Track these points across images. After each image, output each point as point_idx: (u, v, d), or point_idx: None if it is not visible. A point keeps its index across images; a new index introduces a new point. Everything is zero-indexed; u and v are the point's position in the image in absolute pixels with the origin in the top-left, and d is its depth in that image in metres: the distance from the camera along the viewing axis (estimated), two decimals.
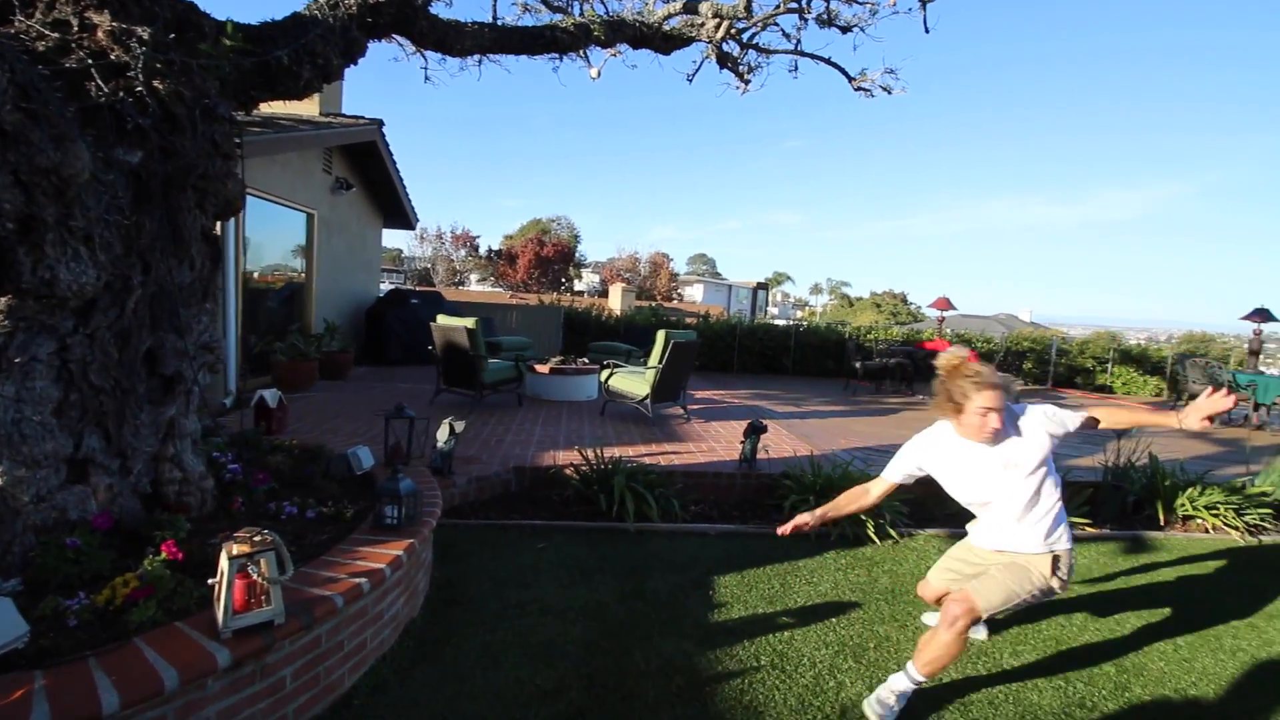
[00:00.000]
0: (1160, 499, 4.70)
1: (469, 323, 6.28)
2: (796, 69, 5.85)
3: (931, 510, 4.56)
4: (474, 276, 46.09)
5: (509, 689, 2.32)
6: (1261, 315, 9.15)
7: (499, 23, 4.31)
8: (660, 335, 6.21)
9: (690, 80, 5.87)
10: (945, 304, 11.31)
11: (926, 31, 4.73)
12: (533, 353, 8.53)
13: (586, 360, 8.18)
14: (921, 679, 2.24)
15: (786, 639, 2.80)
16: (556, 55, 4.50)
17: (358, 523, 2.72)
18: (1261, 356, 9.47)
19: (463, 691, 2.30)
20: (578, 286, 48.39)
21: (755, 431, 4.67)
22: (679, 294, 48.34)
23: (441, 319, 6.63)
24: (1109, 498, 4.77)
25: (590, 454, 4.44)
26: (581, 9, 4.98)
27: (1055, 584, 2.31)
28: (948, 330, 13.76)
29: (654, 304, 21.42)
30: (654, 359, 6.21)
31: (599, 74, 5.54)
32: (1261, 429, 8.58)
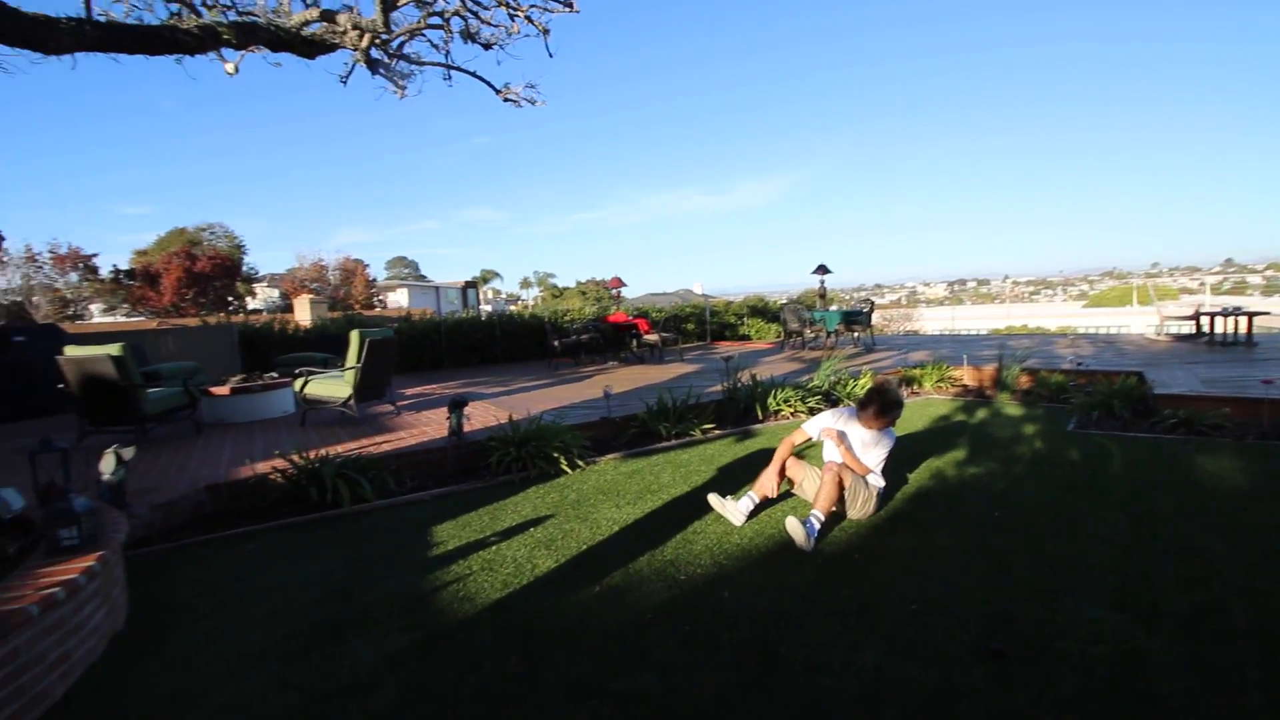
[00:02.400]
0: (758, 403, 6.65)
1: (114, 349, 5.50)
2: (450, 78, 6.44)
3: (609, 442, 5.73)
4: (97, 306, 36.55)
5: (236, 653, 2.55)
6: (822, 269, 12.98)
7: (102, 19, 3.97)
8: (354, 335, 6.30)
9: (344, 82, 6.03)
10: (618, 282, 13.30)
11: (550, 56, 5.73)
12: (205, 378, 7.65)
13: (276, 375, 7.68)
14: (823, 515, 3.43)
15: (494, 550, 3.50)
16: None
17: (25, 556, 2.55)
18: (827, 298, 13.47)
19: (192, 666, 2.45)
20: (252, 304, 41.82)
21: (457, 406, 5.23)
22: (381, 300, 45.21)
23: (72, 350, 5.64)
24: (728, 408, 6.57)
25: (295, 456, 4.50)
26: (204, 8, 4.78)
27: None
28: (629, 305, 16.03)
29: (350, 313, 20.04)
30: (351, 359, 6.28)
31: (236, 69, 5.36)
32: (833, 349, 12.19)
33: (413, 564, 3.37)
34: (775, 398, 6.69)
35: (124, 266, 37.35)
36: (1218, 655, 2.27)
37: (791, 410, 6.66)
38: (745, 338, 16.43)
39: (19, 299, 33.08)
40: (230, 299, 38.44)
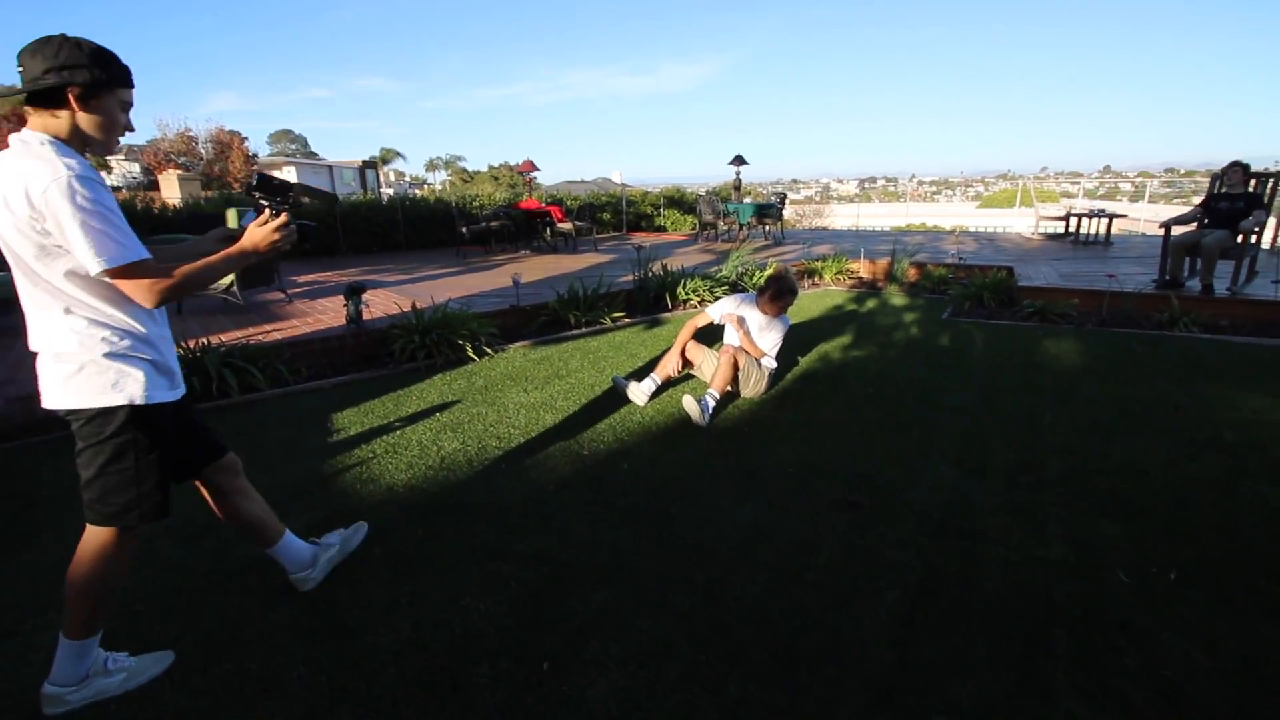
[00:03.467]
0: (668, 292, 6.78)
1: None
2: None
3: (519, 330, 5.72)
4: None
5: None
6: (739, 160, 12.88)
7: None
8: (230, 214, 5.75)
9: None
10: (529, 166, 12.66)
11: None
12: None
13: None
14: (718, 394, 3.61)
15: (398, 434, 3.52)
16: None
17: None
18: (741, 191, 13.49)
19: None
20: (109, 180, 36.55)
21: (355, 292, 4.99)
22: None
23: None
24: (639, 297, 6.66)
25: None
26: None
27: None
28: (544, 193, 15.39)
29: (230, 192, 18.06)
30: None
31: None
32: (745, 242, 12.39)
33: (313, 450, 3.34)
34: (684, 287, 6.83)
35: None
36: (1029, 498, 2.73)
37: (699, 299, 6.85)
38: (661, 229, 16.34)
39: None
40: None
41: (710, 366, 3.96)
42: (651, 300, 6.74)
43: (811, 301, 7.30)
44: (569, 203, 14.69)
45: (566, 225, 11.11)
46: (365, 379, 4.55)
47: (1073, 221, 11.29)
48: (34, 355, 1.55)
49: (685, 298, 6.80)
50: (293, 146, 64.41)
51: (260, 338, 4.90)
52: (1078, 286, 6.48)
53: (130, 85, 1.52)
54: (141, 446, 1.59)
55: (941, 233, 14.85)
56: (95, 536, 1.61)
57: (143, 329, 1.58)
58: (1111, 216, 10.45)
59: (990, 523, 2.55)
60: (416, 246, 12.32)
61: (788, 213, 19.23)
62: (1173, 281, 6.13)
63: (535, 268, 8.87)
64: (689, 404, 3.56)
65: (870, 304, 7.20)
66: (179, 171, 31.91)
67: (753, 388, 3.96)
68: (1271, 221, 6.95)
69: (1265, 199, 5.93)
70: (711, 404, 3.63)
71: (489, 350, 5.07)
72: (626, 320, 6.23)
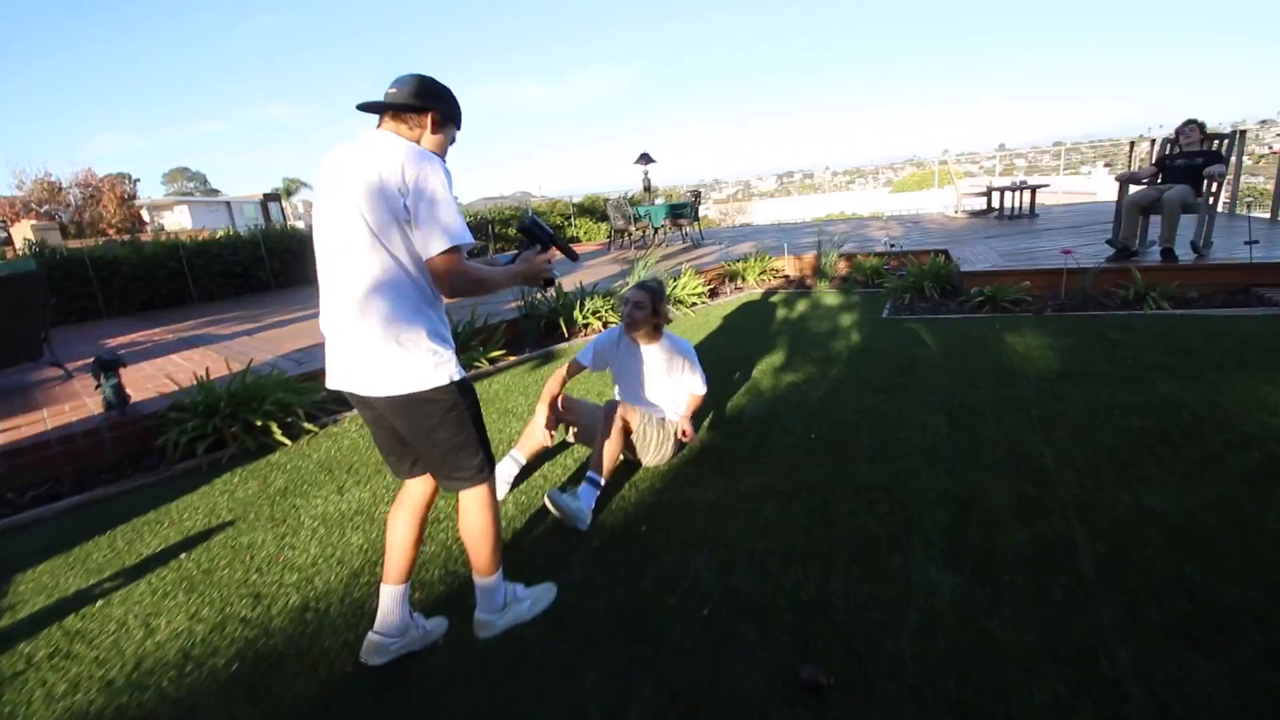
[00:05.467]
0: (562, 317, 5.62)
1: None
2: None
3: None
4: None
5: None
6: (645, 159, 11.88)
7: None
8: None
9: None
10: None
11: None
12: None
13: None
14: (603, 475, 2.55)
15: (99, 608, 2.21)
16: None
17: None
18: (652, 192, 12.50)
19: None
20: None
21: (104, 367, 3.59)
22: (159, 222, 36.99)
23: None
24: (525, 327, 5.47)
25: None
26: None
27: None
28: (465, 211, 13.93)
29: (101, 241, 15.64)
30: None
31: None
32: (660, 246, 11.39)
33: None
34: (582, 309, 5.69)
35: None
36: (1070, 621, 1.72)
37: (602, 323, 5.73)
38: (574, 239, 15.19)
39: None
40: None
41: (593, 429, 2.83)
42: (542, 330, 5.57)
43: (733, 310, 6.30)
44: (466, 217, 13.32)
45: None
46: (114, 495, 3.18)
47: (994, 196, 10.87)
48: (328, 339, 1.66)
49: (585, 321, 5.66)
50: (191, 184, 59.59)
51: None
52: (1025, 266, 5.73)
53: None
54: (472, 412, 1.73)
55: (864, 219, 14.34)
56: (468, 499, 1.78)
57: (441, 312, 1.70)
58: (1034, 188, 10.03)
59: (1031, 688, 1.52)
60: (288, 284, 10.69)
61: (712, 212, 18.59)
62: (1124, 249, 5.46)
63: None
64: (555, 503, 2.41)
65: (801, 306, 6.26)
66: (36, 221, 28.51)
67: (655, 453, 2.85)
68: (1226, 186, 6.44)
69: (1223, 155, 5.34)
70: (593, 496, 2.50)
71: (310, 426, 3.77)
72: (510, 359, 5.04)
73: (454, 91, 1.72)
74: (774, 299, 6.79)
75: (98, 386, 3.62)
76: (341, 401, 4.17)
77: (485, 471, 1.77)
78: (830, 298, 6.57)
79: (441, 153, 1.71)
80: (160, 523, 2.83)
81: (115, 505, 3.05)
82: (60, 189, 34.88)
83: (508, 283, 1.78)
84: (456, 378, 1.66)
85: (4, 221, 31.23)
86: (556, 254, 1.95)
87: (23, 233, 20.52)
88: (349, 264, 1.57)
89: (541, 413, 2.77)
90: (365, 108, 1.67)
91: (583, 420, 2.90)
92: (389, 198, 1.51)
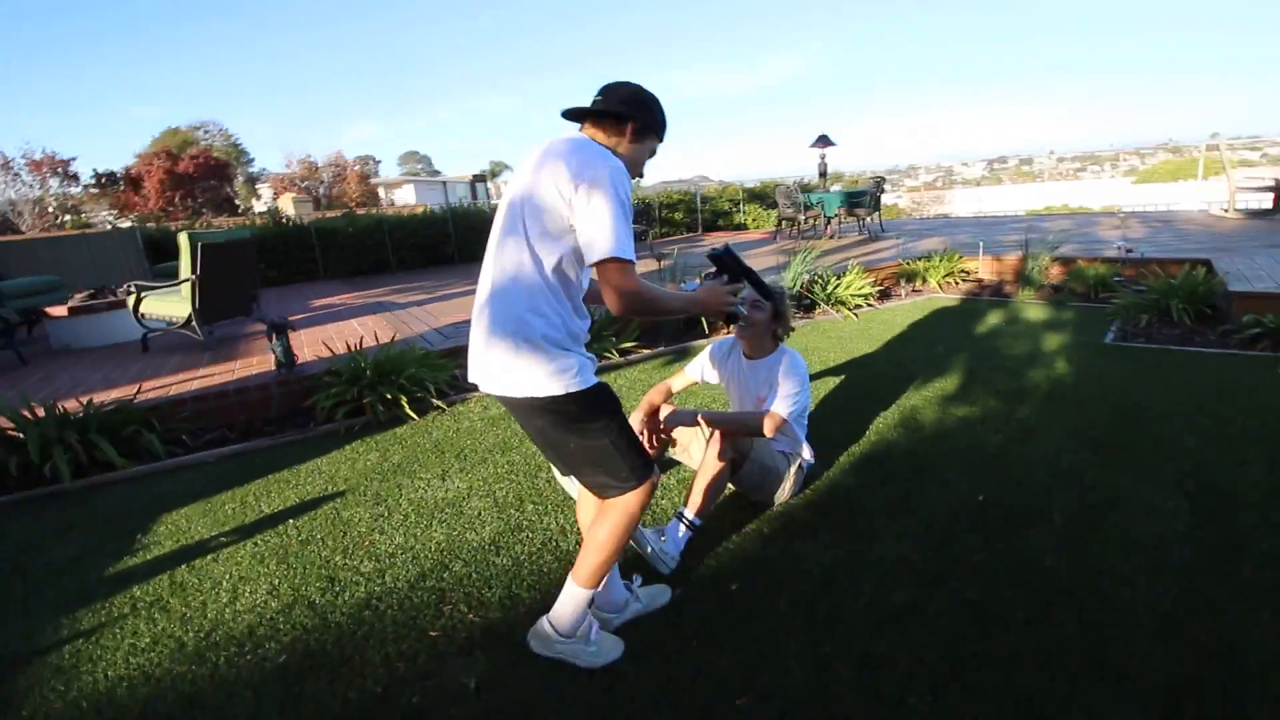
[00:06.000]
0: None
1: None
2: None
3: None
4: (72, 216, 35.15)
5: None
6: (824, 141, 10.92)
7: None
8: (183, 240, 4.95)
9: None
10: None
11: None
12: (63, 294, 6.48)
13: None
14: (695, 513, 2.18)
15: (202, 564, 2.33)
16: None
17: None
18: (828, 178, 11.48)
19: None
20: (259, 207, 40.14)
21: (276, 330, 3.95)
22: (391, 198, 43.02)
23: None
24: (665, 323, 5.18)
25: (27, 411, 3.32)
26: None
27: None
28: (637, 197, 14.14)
29: (345, 213, 18.41)
30: (184, 270, 4.98)
31: None
32: (832, 238, 10.46)
33: (55, 593, 2.22)
34: None
35: (109, 170, 35.57)
36: None
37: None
38: (741, 227, 14.63)
39: (4, 210, 31.86)
40: (224, 201, 36.71)
41: (700, 451, 2.45)
42: (681, 324, 5.24)
43: (905, 317, 5.45)
44: (634, 204, 13.38)
45: None
46: (265, 448, 3.47)
47: None
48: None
49: None
50: (418, 166, 68.57)
51: (177, 388, 3.98)
52: None
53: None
54: (607, 420, 1.60)
55: (1092, 215, 11.98)
56: (610, 504, 1.63)
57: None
58: None
59: None
60: (470, 259, 11.54)
61: (904, 201, 16.87)
62: None
63: None
64: (636, 539, 2.08)
65: (993, 320, 5.24)
66: (295, 194, 34.36)
67: (769, 490, 2.40)
68: None
69: None
70: (681, 535, 2.13)
71: (438, 403, 3.84)
72: (644, 351, 4.79)
73: (660, 102, 1.65)
74: (959, 307, 5.79)
75: (270, 348, 4.00)
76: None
77: (633, 481, 1.60)
78: (1034, 311, 5.42)
79: (639, 162, 1.66)
80: (289, 482, 3.00)
81: (262, 458, 3.32)
82: (317, 168, 41.88)
83: (684, 310, 1.70)
84: (576, 388, 1.52)
85: (276, 194, 38.21)
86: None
87: (286, 204, 24.86)
88: (498, 253, 1.54)
89: (638, 423, 2.45)
90: (569, 114, 1.64)
91: (691, 436, 2.52)
92: (553, 195, 1.45)
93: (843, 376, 3.96)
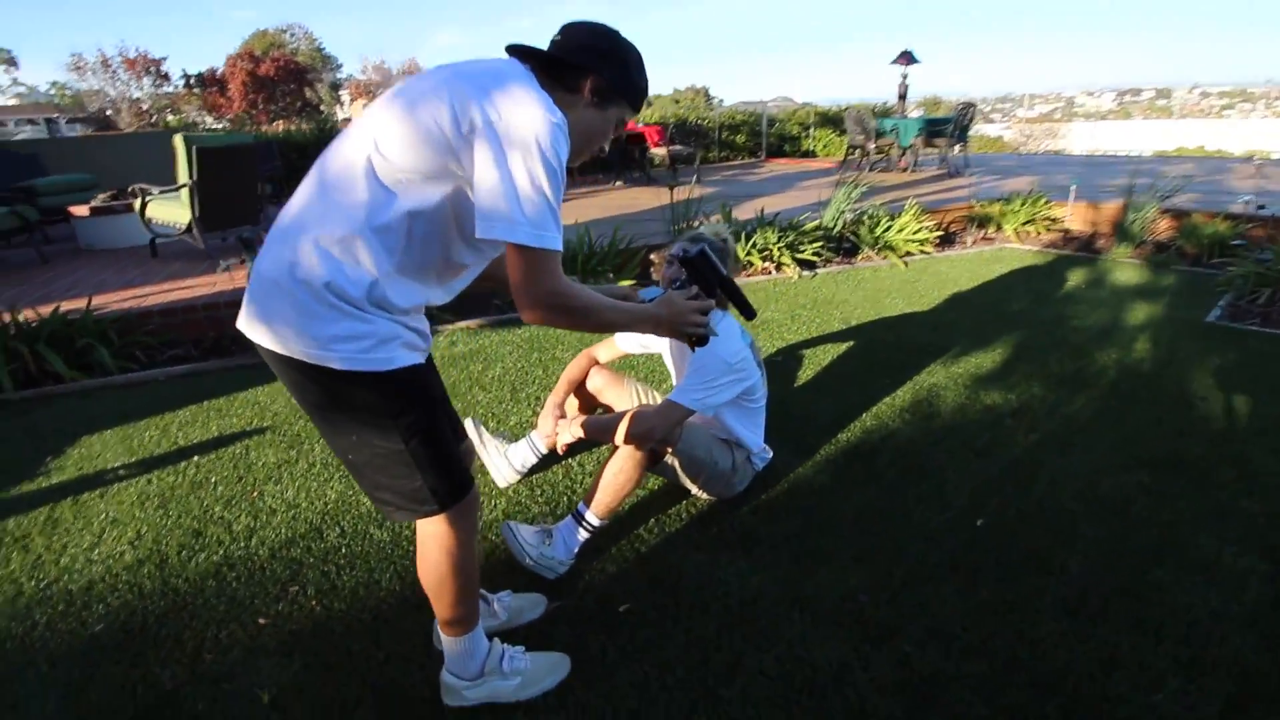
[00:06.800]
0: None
1: None
2: None
3: (484, 301, 4.07)
4: (173, 116, 36.50)
5: None
6: (906, 58, 9.53)
7: None
8: (177, 142, 4.71)
9: None
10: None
11: None
12: (94, 194, 6.53)
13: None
14: (600, 515, 1.79)
15: (89, 496, 2.15)
16: None
17: None
18: (908, 100, 10.10)
19: None
20: (341, 114, 40.68)
21: (246, 245, 3.70)
22: None
23: None
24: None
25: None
26: None
27: None
28: (714, 117, 13.08)
29: None
30: (180, 175, 4.78)
31: None
32: (905, 170, 9.28)
33: None
34: (746, 243, 4.64)
35: (197, 71, 36.57)
36: None
37: (774, 264, 4.64)
38: (810, 154, 13.38)
39: (106, 107, 33.49)
40: (306, 105, 37.29)
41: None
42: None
43: (964, 270, 4.68)
44: (692, 119, 12.39)
45: (660, 151, 9.01)
46: (215, 370, 3.29)
47: None
48: None
49: (747, 260, 4.62)
50: None
51: (157, 297, 3.84)
52: None
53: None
54: (415, 420, 1.17)
55: (1226, 161, 10.17)
56: (424, 532, 1.24)
57: None
58: None
59: None
60: None
61: (1010, 134, 14.99)
62: None
63: (604, 205, 7.05)
64: (515, 537, 1.70)
65: (1073, 279, 4.41)
66: (365, 100, 34.53)
67: (714, 489, 1.95)
68: None
69: None
70: (579, 537, 1.74)
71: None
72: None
73: (637, 54, 1.17)
74: (1033, 262, 4.93)
75: (242, 262, 3.78)
76: (466, 308, 3.87)
77: (431, 504, 1.17)
78: (1126, 273, 4.53)
79: (592, 135, 1.17)
80: (220, 411, 2.79)
81: (211, 381, 3.14)
82: (391, 75, 41.66)
83: (629, 327, 1.26)
84: (360, 368, 1.05)
85: (353, 100, 38.43)
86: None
87: (356, 111, 24.90)
88: (331, 159, 1.07)
89: (550, 407, 2.03)
90: (512, 50, 1.14)
91: (619, 395, 2.08)
92: (445, 121, 0.99)
93: (857, 341, 3.36)
